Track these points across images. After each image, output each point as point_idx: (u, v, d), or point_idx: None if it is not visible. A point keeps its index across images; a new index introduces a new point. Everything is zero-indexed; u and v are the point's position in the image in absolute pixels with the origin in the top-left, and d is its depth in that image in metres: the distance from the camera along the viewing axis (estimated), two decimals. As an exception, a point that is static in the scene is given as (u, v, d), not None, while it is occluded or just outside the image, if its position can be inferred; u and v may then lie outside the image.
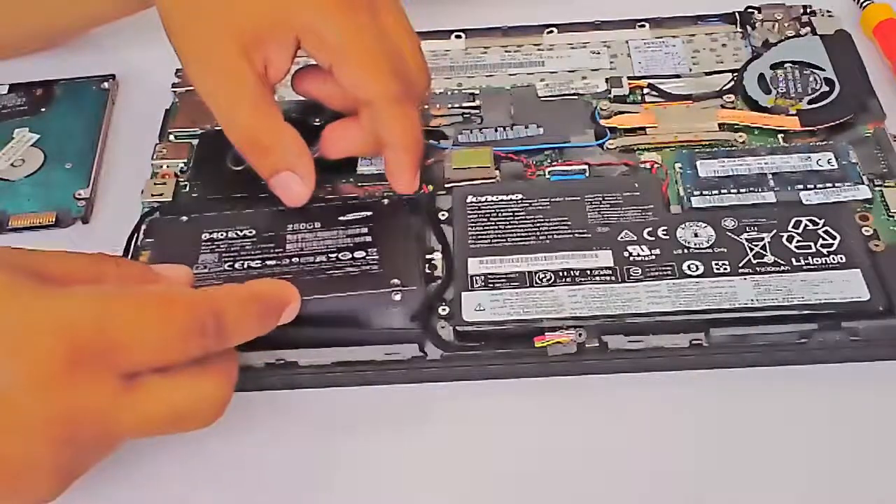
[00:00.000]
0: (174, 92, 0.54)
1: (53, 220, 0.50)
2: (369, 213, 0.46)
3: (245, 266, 0.44)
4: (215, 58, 0.44)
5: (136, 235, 0.47)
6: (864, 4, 0.57)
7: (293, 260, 0.44)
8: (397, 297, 0.43)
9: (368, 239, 0.45)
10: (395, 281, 0.43)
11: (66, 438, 0.35)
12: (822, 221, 0.45)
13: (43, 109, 0.56)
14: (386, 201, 0.47)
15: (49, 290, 0.36)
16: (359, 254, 0.44)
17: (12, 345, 0.34)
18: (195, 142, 0.52)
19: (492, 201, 0.47)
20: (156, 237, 0.46)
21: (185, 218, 0.47)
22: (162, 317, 0.36)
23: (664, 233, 0.45)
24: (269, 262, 0.44)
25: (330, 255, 0.44)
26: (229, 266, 0.44)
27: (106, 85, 0.57)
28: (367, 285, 0.43)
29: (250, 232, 0.46)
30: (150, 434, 0.38)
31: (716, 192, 0.47)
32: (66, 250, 0.40)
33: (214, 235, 0.46)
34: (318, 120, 0.49)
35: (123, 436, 0.37)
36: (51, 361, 0.34)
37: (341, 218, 0.46)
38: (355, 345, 0.43)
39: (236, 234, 0.46)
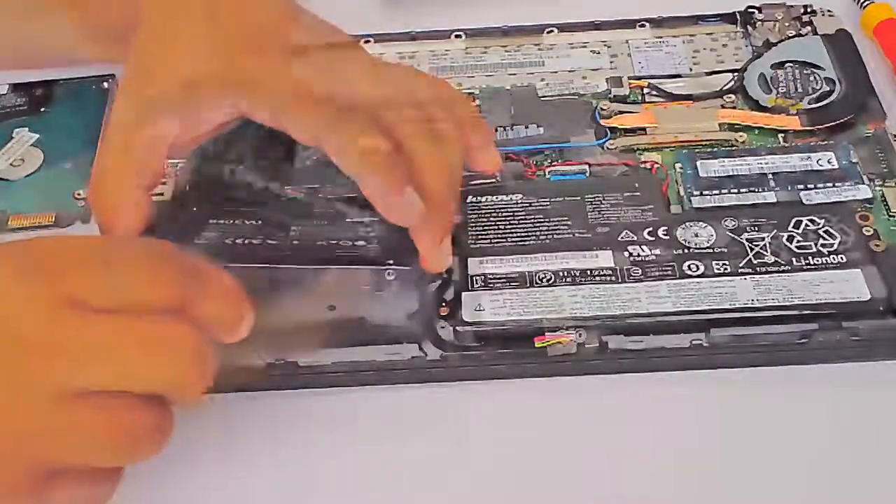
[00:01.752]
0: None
1: (53, 220, 0.50)
2: (374, 219, 0.46)
3: (246, 242, 0.44)
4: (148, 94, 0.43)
5: None
6: (865, 4, 0.56)
7: (294, 242, 0.45)
8: (391, 277, 0.43)
9: (372, 234, 0.45)
10: (390, 261, 0.43)
11: (14, 356, 0.33)
12: (822, 221, 0.45)
13: (43, 109, 0.56)
14: None
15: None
16: (360, 243, 0.44)
17: None
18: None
19: (492, 201, 0.47)
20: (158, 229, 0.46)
21: (194, 208, 0.47)
22: (134, 250, 0.36)
23: (664, 233, 0.45)
24: (270, 241, 0.44)
25: (331, 241, 0.45)
26: (230, 242, 0.44)
27: (106, 85, 0.57)
28: (363, 262, 0.44)
29: (256, 222, 0.46)
30: (110, 369, 0.33)
31: (716, 192, 0.47)
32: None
33: (218, 222, 0.45)
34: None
35: (74, 364, 0.33)
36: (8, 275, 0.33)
37: (348, 220, 0.46)
38: (355, 345, 0.43)
39: (242, 222, 0.46)
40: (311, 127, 0.41)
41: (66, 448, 0.33)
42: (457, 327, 0.43)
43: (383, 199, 0.41)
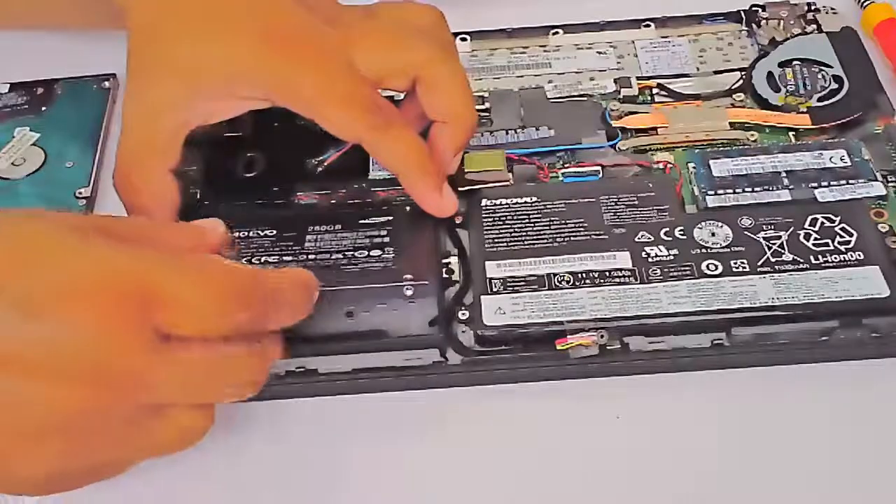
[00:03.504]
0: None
1: (54, 219, 0.50)
2: (389, 218, 0.46)
3: (262, 262, 0.44)
4: (152, 95, 0.43)
5: None
6: (865, 4, 0.57)
7: (310, 257, 0.45)
8: (409, 292, 0.43)
9: (387, 240, 0.45)
10: (408, 276, 0.43)
11: (97, 390, 0.34)
12: (837, 218, 0.45)
13: (44, 108, 0.55)
14: (408, 208, 0.46)
15: (99, 241, 0.35)
16: (375, 252, 0.45)
17: (57, 291, 0.33)
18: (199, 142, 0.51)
19: (506, 204, 0.47)
20: None
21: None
22: (206, 280, 0.35)
23: (681, 233, 0.45)
24: (286, 259, 0.45)
25: (346, 252, 0.45)
26: (246, 262, 0.44)
27: (107, 84, 0.57)
28: (380, 279, 0.44)
29: (271, 232, 0.46)
30: (186, 393, 0.36)
31: (730, 191, 0.47)
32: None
33: (235, 234, 0.45)
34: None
35: (156, 392, 0.35)
36: (93, 311, 0.33)
37: (362, 221, 0.46)
38: (375, 350, 0.43)
39: (257, 233, 0.46)
40: (357, 132, 0.43)
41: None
42: (477, 332, 0.43)
43: (426, 197, 0.45)
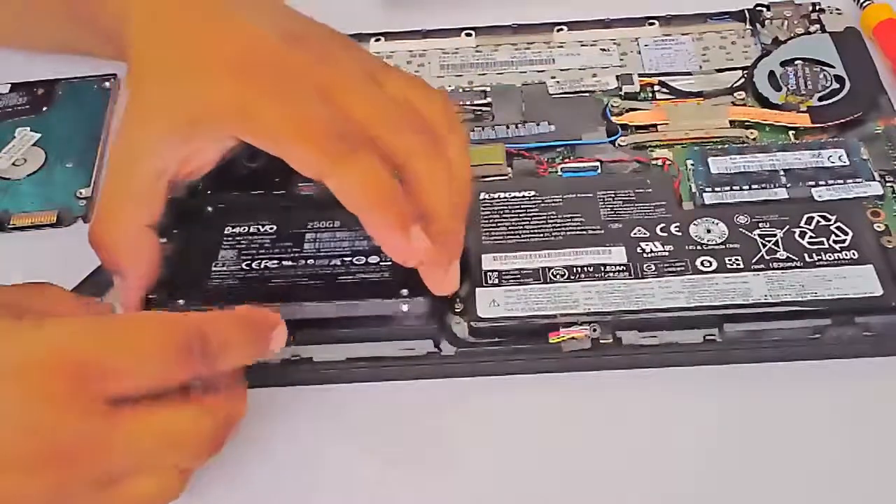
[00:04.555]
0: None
1: (55, 219, 0.50)
2: None
3: (262, 266, 0.45)
4: (131, 138, 0.42)
5: None
6: (864, 4, 0.57)
7: (308, 262, 0.45)
8: (404, 308, 0.43)
9: None
10: (404, 291, 0.43)
11: (59, 472, 0.34)
12: (834, 217, 0.45)
13: (44, 109, 0.56)
14: None
15: (30, 322, 0.36)
16: (373, 259, 0.44)
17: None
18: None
19: (504, 198, 0.47)
20: (179, 227, 0.46)
21: (210, 208, 0.47)
22: (140, 339, 0.36)
23: (677, 229, 0.45)
24: (285, 264, 0.45)
25: (345, 258, 0.45)
26: (247, 265, 0.45)
27: (107, 84, 0.57)
28: (375, 293, 0.43)
29: (271, 228, 0.46)
30: (143, 461, 0.36)
31: (728, 188, 0.47)
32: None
33: (237, 230, 0.46)
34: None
35: (115, 462, 0.35)
36: (41, 393, 0.34)
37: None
38: (370, 339, 0.43)
39: (258, 229, 0.46)
40: (314, 164, 0.40)
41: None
42: (471, 323, 0.43)
43: (389, 239, 0.40)
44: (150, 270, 0.43)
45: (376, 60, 0.44)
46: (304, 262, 0.45)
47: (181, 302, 0.43)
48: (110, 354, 0.35)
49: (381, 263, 0.44)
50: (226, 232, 0.46)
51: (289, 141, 0.40)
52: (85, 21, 0.50)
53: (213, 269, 0.44)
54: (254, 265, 0.45)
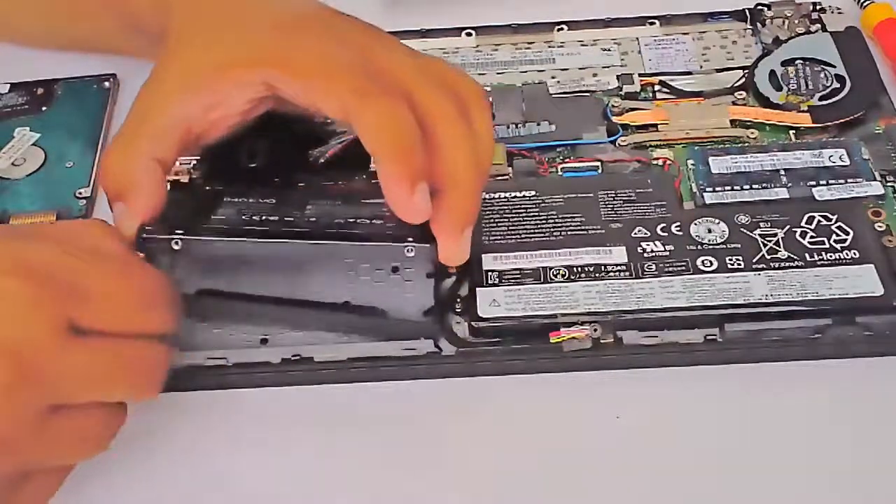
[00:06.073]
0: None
1: (54, 219, 0.50)
2: None
3: (263, 219, 0.44)
4: (151, 89, 0.43)
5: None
6: (865, 4, 0.57)
7: (310, 220, 0.44)
8: (410, 254, 0.42)
9: (387, 213, 0.44)
10: (410, 238, 0.42)
11: (12, 372, 0.34)
12: (834, 217, 0.45)
13: (44, 108, 0.56)
14: None
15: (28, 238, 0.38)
16: (377, 221, 0.43)
17: None
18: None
19: (505, 198, 0.47)
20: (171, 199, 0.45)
21: (207, 188, 0.47)
22: (129, 277, 0.38)
23: (678, 229, 0.45)
24: (286, 219, 0.44)
25: (348, 219, 0.44)
26: (246, 219, 0.44)
27: (107, 84, 0.57)
28: (381, 238, 0.42)
29: (271, 200, 0.45)
30: (92, 389, 0.37)
31: (728, 188, 0.47)
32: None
33: (235, 199, 0.45)
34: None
35: (64, 386, 0.36)
36: (8, 291, 0.35)
37: (364, 200, 0.45)
38: (371, 335, 0.43)
39: (257, 200, 0.45)
40: (341, 97, 0.40)
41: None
42: (472, 323, 0.43)
43: (395, 188, 0.40)
44: (153, 202, 0.42)
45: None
46: (306, 220, 0.44)
47: (179, 232, 0.43)
48: (98, 282, 0.37)
49: (384, 223, 0.43)
50: (224, 199, 0.45)
51: (319, 77, 0.41)
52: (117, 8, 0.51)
53: (213, 217, 0.44)
54: (254, 218, 0.44)
